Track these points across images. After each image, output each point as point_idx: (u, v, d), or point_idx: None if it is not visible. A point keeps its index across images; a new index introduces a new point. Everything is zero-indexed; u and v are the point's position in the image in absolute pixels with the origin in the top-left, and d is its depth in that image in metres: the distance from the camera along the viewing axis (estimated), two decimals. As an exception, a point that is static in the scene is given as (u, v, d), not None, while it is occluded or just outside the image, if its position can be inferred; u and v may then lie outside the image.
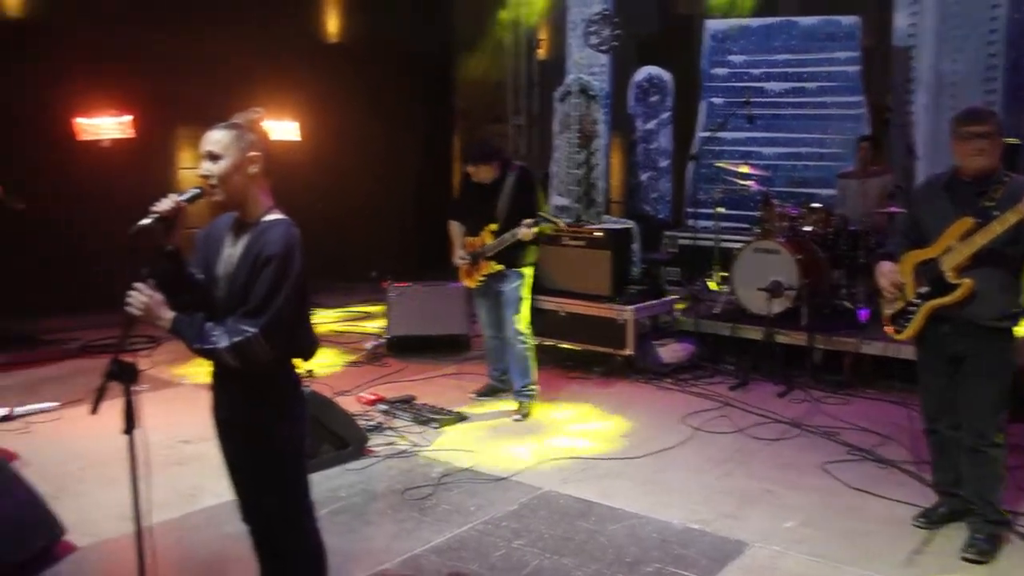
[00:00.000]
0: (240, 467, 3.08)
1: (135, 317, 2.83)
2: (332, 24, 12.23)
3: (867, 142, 8.18)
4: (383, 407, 6.30)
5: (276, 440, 2.99)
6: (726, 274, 8.12)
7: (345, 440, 5.29)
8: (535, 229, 5.91)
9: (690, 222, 10.07)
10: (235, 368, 2.82)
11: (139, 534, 2.92)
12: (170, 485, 4.86)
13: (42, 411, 6.36)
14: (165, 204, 2.82)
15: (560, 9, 10.68)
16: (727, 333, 7.54)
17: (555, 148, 10.45)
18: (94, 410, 2.83)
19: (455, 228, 6.48)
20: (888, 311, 4.35)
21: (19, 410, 6.30)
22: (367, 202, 12.37)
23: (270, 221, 2.92)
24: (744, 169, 8.28)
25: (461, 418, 6.14)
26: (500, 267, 6.17)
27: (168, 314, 2.83)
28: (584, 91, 10.05)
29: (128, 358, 2.84)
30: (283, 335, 2.83)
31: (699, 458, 5.43)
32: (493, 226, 6.15)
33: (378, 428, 5.85)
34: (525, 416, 6.21)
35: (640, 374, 7.21)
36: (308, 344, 3.03)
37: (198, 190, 2.91)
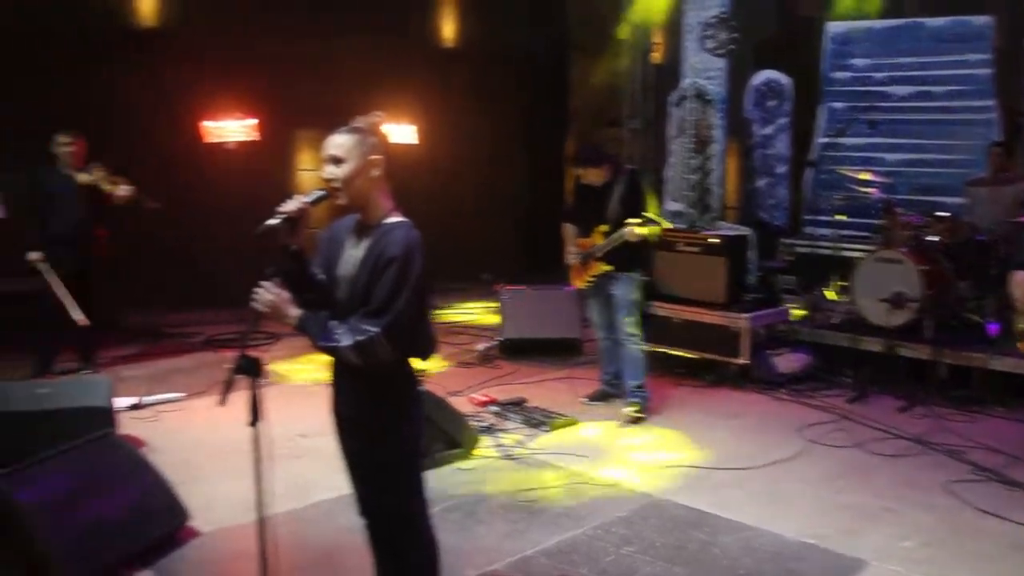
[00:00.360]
0: (359, 464, 3.15)
1: (260, 314, 2.92)
2: (448, 29, 12.39)
3: (999, 148, 7.84)
4: (494, 409, 6.35)
5: (395, 439, 3.05)
6: (845, 284, 7.89)
7: (457, 440, 5.35)
8: (641, 230, 5.92)
9: (808, 230, 9.82)
10: (357, 366, 2.89)
11: (262, 522, 3.02)
12: (287, 477, 5.00)
13: (169, 401, 6.64)
14: (291, 205, 2.92)
15: (676, 12, 10.57)
16: (845, 344, 7.33)
17: (670, 153, 10.33)
18: (222, 402, 2.93)
19: (568, 230, 6.54)
20: (1022, 326, 4.15)
21: (148, 399, 6.59)
22: (480, 204, 12.50)
23: (391, 223, 2.97)
24: (865, 176, 8.05)
25: (573, 422, 6.14)
26: (609, 267, 6.22)
27: (295, 311, 2.92)
28: (700, 95, 9.91)
29: (253, 353, 2.94)
30: (404, 335, 2.88)
31: (815, 471, 5.29)
32: (603, 227, 6.20)
33: (489, 429, 5.89)
34: (637, 420, 6.18)
35: (754, 384, 7.08)
36: (427, 344, 3.08)
37: (323, 192, 2.98)
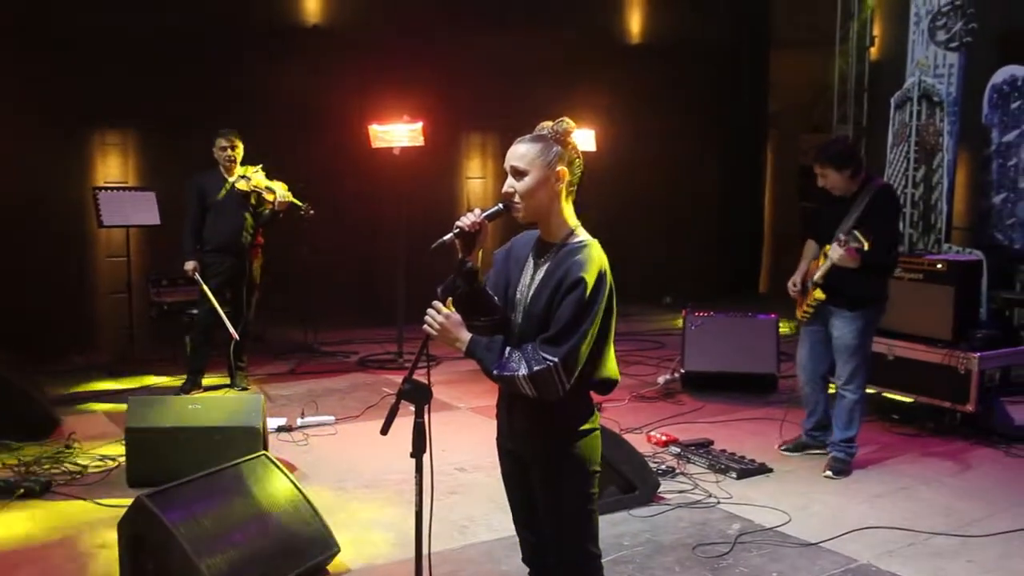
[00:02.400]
0: (527, 504, 3.19)
1: (430, 336, 3.01)
2: (634, 23, 12.44)
3: None
4: (675, 450, 6.30)
5: (568, 478, 3.06)
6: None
7: (633, 483, 5.34)
8: (846, 253, 5.56)
9: (1055, 255, 9.27)
10: (530, 397, 2.92)
11: (419, 561, 3.11)
12: (443, 514, 5.11)
13: (320, 424, 6.93)
14: (468, 219, 2.97)
15: (900, 1, 10.23)
16: (1100, 394, 6.89)
17: (888, 163, 10.00)
18: (384, 431, 3.04)
19: (807, 247, 6.25)
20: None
21: (300, 421, 6.90)
22: (664, 218, 12.46)
23: (577, 243, 3.00)
24: None
25: (765, 469, 6.02)
26: (821, 296, 5.94)
27: (465, 335, 2.98)
28: (927, 96, 9.55)
29: (421, 379, 3.03)
30: (584, 366, 2.91)
31: (1060, 546, 4.99)
32: (828, 248, 5.87)
33: (670, 473, 5.86)
34: (840, 473, 5.99)
35: (984, 435, 6.75)
36: (608, 376, 3.09)
37: (502, 206, 3.03)
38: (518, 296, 3.06)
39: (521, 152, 2.98)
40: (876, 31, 11.39)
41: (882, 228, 5.74)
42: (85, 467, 5.93)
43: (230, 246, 7.55)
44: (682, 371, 7.99)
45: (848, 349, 5.94)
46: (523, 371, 2.86)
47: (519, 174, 2.98)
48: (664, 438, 6.50)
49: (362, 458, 6.22)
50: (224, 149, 7.53)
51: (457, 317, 2.99)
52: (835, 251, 5.68)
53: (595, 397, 3.12)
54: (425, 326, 3.00)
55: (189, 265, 7.48)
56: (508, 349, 2.94)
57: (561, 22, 11.02)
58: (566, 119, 3.05)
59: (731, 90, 13.04)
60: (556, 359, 2.83)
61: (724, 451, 6.27)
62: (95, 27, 8.79)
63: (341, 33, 10.15)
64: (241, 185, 7.51)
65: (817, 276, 5.93)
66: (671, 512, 5.33)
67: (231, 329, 7.35)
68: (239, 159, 7.60)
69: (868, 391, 7.10)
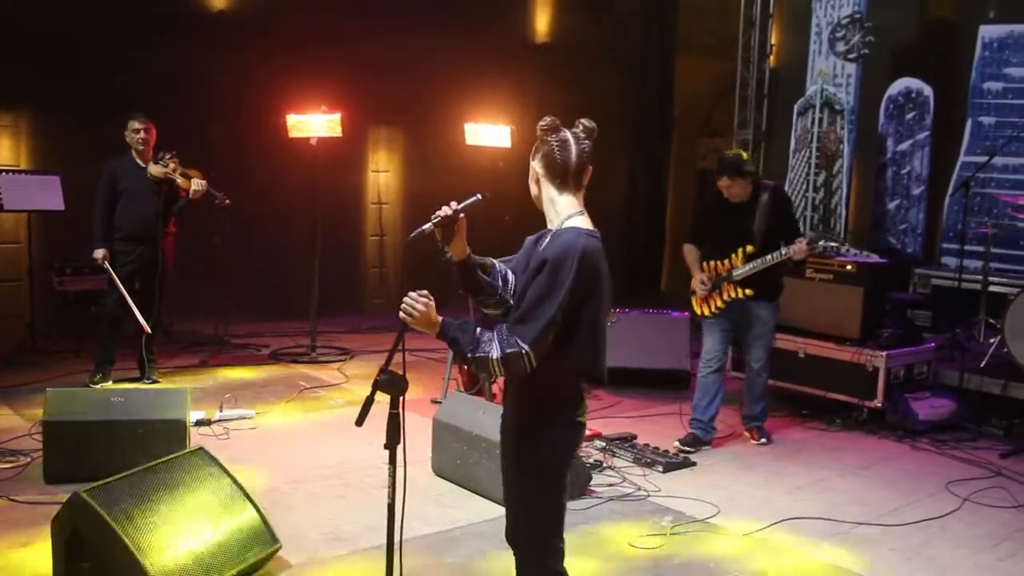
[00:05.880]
0: (506, 486, 3.22)
1: (406, 323, 2.97)
2: (542, 24, 12.48)
3: None
4: (600, 443, 6.34)
5: (537, 462, 3.07)
6: (994, 322, 7.74)
7: (566, 476, 5.34)
8: (811, 246, 6.07)
9: (946, 259, 9.67)
10: (507, 376, 2.97)
11: (391, 552, 3.06)
12: (380, 508, 5.03)
13: (240, 418, 6.73)
14: (444, 210, 3.05)
15: (802, 11, 10.51)
16: (996, 391, 7.19)
17: (790, 167, 10.27)
18: (360, 422, 2.98)
19: (692, 252, 6.54)
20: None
21: (218, 415, 6.70)
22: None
23: (564, 228, 3.05)
24: (1024, 202, 7.90)
25: (689, 463, 6.11)
26: (749, 292, 6.24)
27: (438, 318, 2.97)
28: (829, 104, 9.85)
29: (395, 370, 2.98)
30: (547, 348, 2.91)
31: (972, 533, 5.18)
32: (749, 248, 6.23)
33: (598, 467, 5.89)
34: (767, 440, 6.61)
35: (890, 431, 6.98)
36: (589, 367, 3.09)
37: (477, 197, 3.12)
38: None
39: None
40: (774, 39, 11.67)
41: (792, 220, 6.53)
42: (-6, 462, 5.65)
43: (141, 234, 7.25)
44: (598, 367, 8.01)
45: (769, 335, 6.50)
46: (495, 353, 2.89)
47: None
48: (588, 432, 6.51)
49: (286, 453, 6.08)
50: (137, 132, 7.24)
51: (432, 302, 2.97)
52: (798, 250, 6.04)
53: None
54: (401, 314, 2.96)
55: (99, 253, 7.18)
56: (480, 330, 2.95)
57: (476, 23, 10.97)
58: (548, 117, 3.16)
59: (638, 94, 13.19)
60: (525, 344, 2.86)
61: (647, 445, 6.33)
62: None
63: (250, 20, 9.87)
64: (154, 171, 7.23)
65: (742, 275, 6.25)
66: (604, 505, 5.36)
67: (142, 321, 7.10)
68: (152, 143, 7.33)
69: (780, 385, 7.39)
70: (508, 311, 3.10)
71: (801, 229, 6.20)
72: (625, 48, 12.81)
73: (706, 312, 6.46)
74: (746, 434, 6.72)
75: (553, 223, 3.11)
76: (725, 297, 6.33)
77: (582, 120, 3.16)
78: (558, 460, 3.10)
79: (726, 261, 6.34)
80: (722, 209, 6.38)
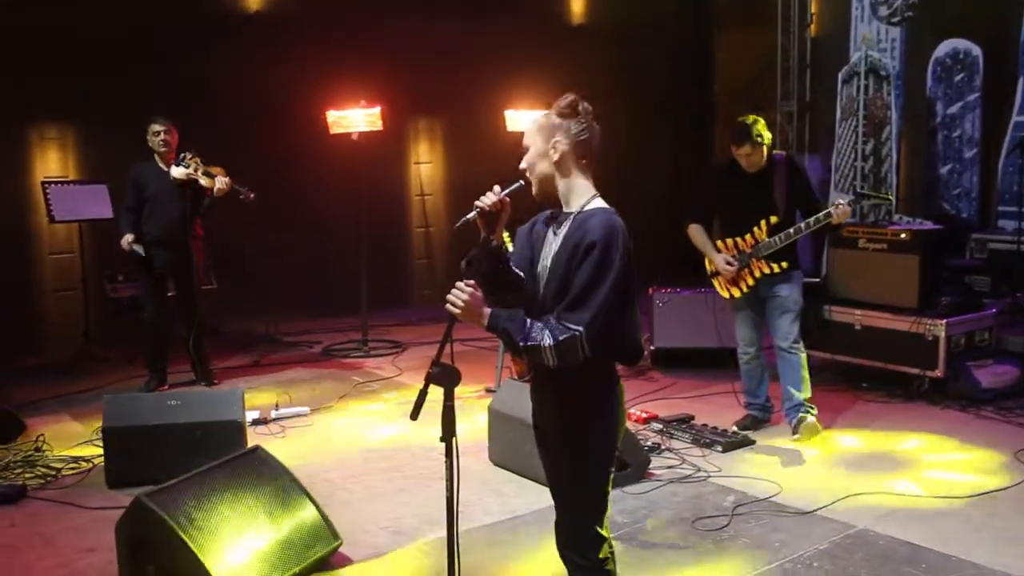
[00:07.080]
0: (555, 478, 3.21)
1: (454, 315, 2.94)
2: (578, 4, 12.38)
3: None
4: (657, 426, 6.28)
5: (587, 451, 3.05)
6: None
7: (625, 460, 5.29)
8: (846, 211, 5.69)
9: (1001, 223, 9.45)
10: (554, 368, 2.88)
11: (452, 544, 3.03)
12: (438, 500, 5.02)
13: (296, 415, 6.77)
14: (489, 198, 3.00)
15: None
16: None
17: (837, 137, 10.10)
18: (414, 416, 2.94)
19: (701, 233, 6.23)
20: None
21: (274, 413, 6.74)
22: (615, 199, 12.41)
23: (591, 210, 3.01)
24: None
25: (748, 442, 6.03)
26: (785, 265, 5.92)
27: (487, 310, 2.93)
28: (874, 71, 9.67)
29: (448, 362, 2.94)
30: (608, 333, 2.87)
31: (1044, 503, 5.07)
32: (773, 218, 5.90)
33: (656, 449, 5.83)
34: (809, 434, 6.03)
35: (953, 400, 6.84)
36: (632, 345, 3.05)
37: (521, 183, 3.09)
38: (539, 269, 3.07)
39: (526, 128, 3.10)
40: (813, 8, 11.48)
41: (811, 188, 6.25)
42: (59, 470, 5.71)
43: (168, 239, 7.22)
44: (652, 348, 7.97)
45: (797, 307, 6.04)
46: (547, 341, 2.85)
47: (525, 149, 3.08)
48: (644, 415, 6.48)
49: (343, 448, 6.10)
50: (158, 134, 7.21)
51: (480, 293, 2.93)
52: (842, 209, 5.67)
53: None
54: (448, 306, 2.93)
55: (128, 238, 7.19)
56: (529, 321, 2.91)
57: (508, 8, 10.91)
58: (570, 94, 3.09)
59: (678, 70, 13.03)
60: (580, 327, 2.82)
61: (706, 425, 6.26)
62: (28, 26, 8.45)
63: (284, 20, 9.90)
64: (177, 174, 7.13)
65: (774, 248, 5.88)
66: (664, 488, 5.31)
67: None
68: (174, 145, 7.29)
69: (837, 359, 7.26)
70: (524, 305, 3.02)
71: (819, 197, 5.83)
72: (663, 25, 12.65)
73: (735, 293, 6.13)
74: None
75: (572, 205, 3.05)
76: (756, 274, 5.99)
77: (583, 102, 3.06)
78: (611, 447, 3.08)
79: (748, 236, 5.99)
80: (733, 182, 6.03)
